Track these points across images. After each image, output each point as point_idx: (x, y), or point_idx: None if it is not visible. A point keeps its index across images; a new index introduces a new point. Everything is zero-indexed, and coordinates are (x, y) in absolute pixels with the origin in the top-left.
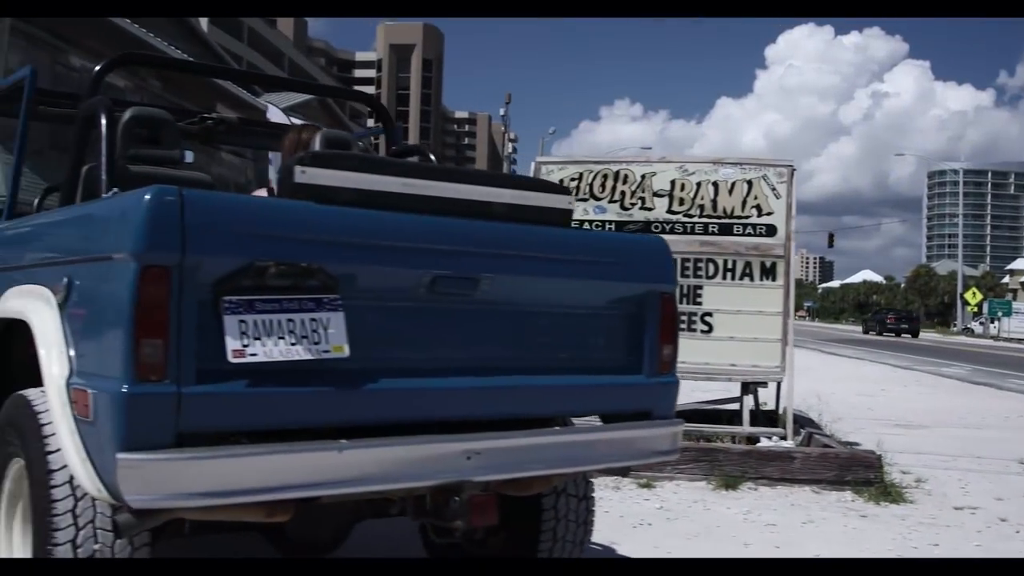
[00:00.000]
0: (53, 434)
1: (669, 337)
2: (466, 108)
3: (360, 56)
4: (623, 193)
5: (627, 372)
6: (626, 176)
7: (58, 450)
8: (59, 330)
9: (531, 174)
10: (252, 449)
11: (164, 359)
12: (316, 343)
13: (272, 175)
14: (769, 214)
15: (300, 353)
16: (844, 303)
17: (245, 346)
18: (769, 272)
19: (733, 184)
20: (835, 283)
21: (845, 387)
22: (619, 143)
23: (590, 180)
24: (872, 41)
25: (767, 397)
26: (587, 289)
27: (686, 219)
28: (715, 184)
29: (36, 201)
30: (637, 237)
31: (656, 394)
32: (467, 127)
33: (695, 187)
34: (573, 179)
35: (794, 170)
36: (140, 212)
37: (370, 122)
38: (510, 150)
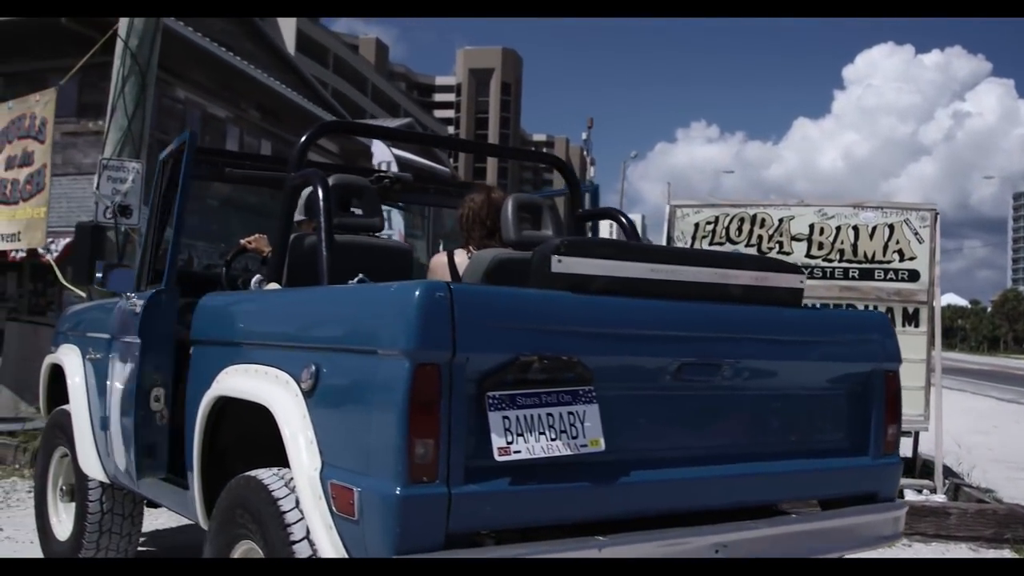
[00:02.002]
0: (298, 521)
1: (894, 416)
2: (543, 131)
3: (440, 80)
4: (760, 237)
5: (854, 454)
6: (763, 220)
7: (302, 539)
8: (306, 418)
9: (665, 218)
10: (519, 550)
11: (435, 459)
12: (574, 437)
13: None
14: (912, 259)
15: (560, 448)
16: None
17: (509, 443)
18: (912, 318)
19: (874, 228)
20: None
21: (956, 423)
22: (696, 165)
23: (726, 224)
24: (954, 60)
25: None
26: (818, 370)
27: (825, 264)
28: (855, 228)
29: (223, 266)
30: (861, 314)
31: (882, 476)
32: (545, 150)
33: (835, 231)
34: (709, 223)
35: (937, 214)
36: (411, 308)
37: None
38: (591, 175)
